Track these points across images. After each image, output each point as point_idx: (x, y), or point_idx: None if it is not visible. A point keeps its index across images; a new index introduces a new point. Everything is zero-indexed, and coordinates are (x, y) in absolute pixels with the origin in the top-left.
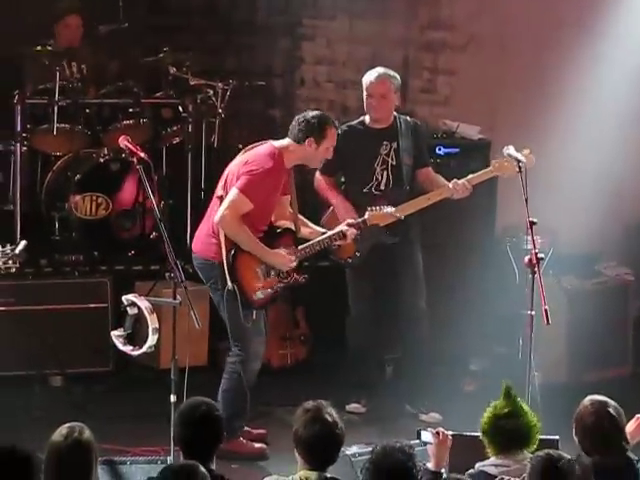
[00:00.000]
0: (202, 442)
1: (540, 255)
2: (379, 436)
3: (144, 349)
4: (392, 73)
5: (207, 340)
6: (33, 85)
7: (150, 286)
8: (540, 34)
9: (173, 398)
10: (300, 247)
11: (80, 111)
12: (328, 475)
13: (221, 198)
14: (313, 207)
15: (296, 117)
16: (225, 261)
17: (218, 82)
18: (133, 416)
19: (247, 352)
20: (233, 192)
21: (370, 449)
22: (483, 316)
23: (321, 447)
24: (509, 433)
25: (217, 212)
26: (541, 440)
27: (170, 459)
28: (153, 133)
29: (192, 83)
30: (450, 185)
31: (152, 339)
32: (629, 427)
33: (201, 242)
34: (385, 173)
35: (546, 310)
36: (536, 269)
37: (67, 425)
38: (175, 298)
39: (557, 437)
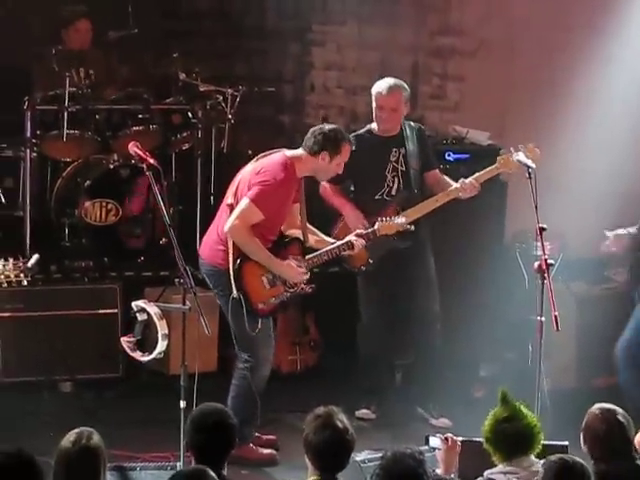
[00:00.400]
0: (215, 448)
1: (550, 261)
2: (389, 442)
3: (154, 355)
4: (403, 84)
5: (216, 346)
6: (43, 91)
7: (160, 292)
8: (550, 36)
9: (183, 404)
10: (308, 257)
11: (90, 117)
12: None
13: (231, 206)
14: (322, 216)
15: (312, 129)
16: (231, 269)
17: (228, 88)
18: (143, 422)
19: (256, 358)
20: (244, 202)
21: (380, 455)
22: (493, 322)
23: (331, 453)
24: (511, 437)
25: (226, 220)
26: (550, 446)
27: (180, 465)
28: (163, 139)
29: (202, 89)
30: (458, 184)
31: (161, 345)
32: (638, 436)
33: (209, 248)
34: (396, 179)
35: (556, 316)
36: (546, 275)
37: (75, 431)
38: (185, 304)
39: (566, 443)
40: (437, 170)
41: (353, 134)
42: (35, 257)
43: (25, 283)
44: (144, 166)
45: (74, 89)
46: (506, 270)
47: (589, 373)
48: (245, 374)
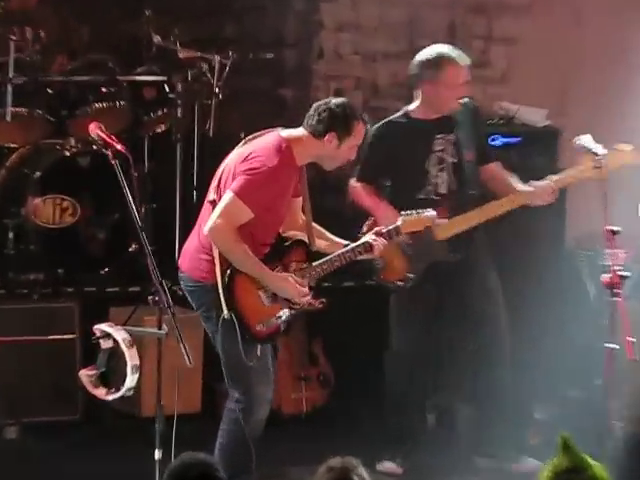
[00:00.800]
0: None
1: (623, 273)
2: None
3: (121, 392)
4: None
5: (200, 381)
6: None
7: (129, 313)
8: None
9: (158, 454)
10: (315, 264)
11: (40, 91)
12: None
13: (214, 203)
14: (335, 216)
15: (316, 104)
16: (220, 283)
17: (214, 54)
18: (108, 476)
19: (250, 396)
20: (228, 196)
21: None
22: (550, 349)
23: None
24: None
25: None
26: None
27: None
28: (132, 119)
29: (181, 56)
30: (531, 188)
31: (131, 379)
32: None
33: (189, 258)
34: (444, 174)
35: (630, 342)
36: (618, 290)
37: None
38: (160, 328)
39: None
40: (495, 163)
41: (386, 120)
42: None
43: None
44: (109, 153)
45: (19, 55)
46: (567, 284)
47: None
48: (237, 416)
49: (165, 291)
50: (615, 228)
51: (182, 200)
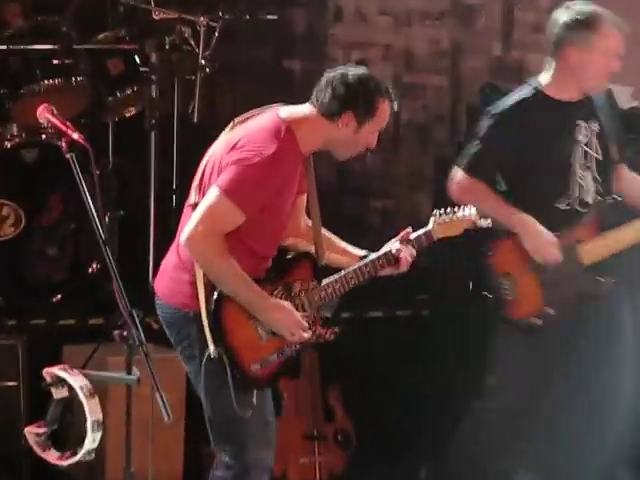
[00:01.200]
0: None
1: None
2: None
3: (79, 456)
4: None
5: (182, 440)
6: None
7: (88, 352)
8: None
9: None
10: (325, 282)
11: None
12: None
13: (196, 207)
14: (356, 225)
15: (328, 74)
16: (204, 310)
17: (200, 16)
18: None
19: (244, 462)
20: (212, 194)
21: None
22: None
23: None
24: None
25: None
26: None
27: None
28: (94, 100)
29: (157, 17)
30: None
31: (92, 439)
32: None
33: (167, 279)
34: (588, 175)
35: None
36: None
37: None
38: (130, 372)
39: None
40: (623, 163)
41: (516, 99)
42: None
43: None
44: (62, 144)
45: None
46: None
47: None
48: None
49: (136, 324)
50: None
51: (158, 205)
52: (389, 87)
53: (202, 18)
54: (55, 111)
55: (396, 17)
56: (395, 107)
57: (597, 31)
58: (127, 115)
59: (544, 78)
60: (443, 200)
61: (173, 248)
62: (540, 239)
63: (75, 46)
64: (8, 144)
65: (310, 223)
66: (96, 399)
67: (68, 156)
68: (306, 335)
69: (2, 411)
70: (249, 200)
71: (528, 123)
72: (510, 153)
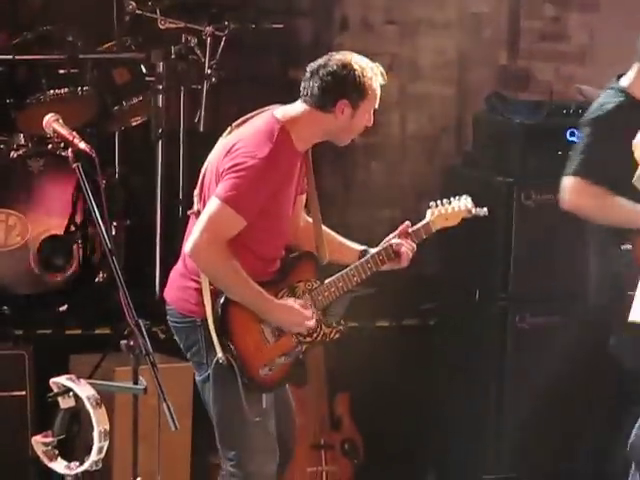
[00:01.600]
0: None
1: None
2: None
3: (86, 466)
4: None
5: (189, 450)
6: None
7: (95, 361)
8: None
9: None
10: (328, 281)
11: None
12: None
13: (199, 215)
14: (363, 232)
15: (311, 67)
16: (210, 316)
17: (206, 25)
18: None
19: (245, 471)
20: (213, 204)
21: None
22: None
23: None
24: None
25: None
26: None
27: None
28: (100, 109)
29: (163, 27)
30: None
31: (99, 449)
32: None
33: (176, 287)
34: None
35: None
36: None
37: None
38: (137, 382)
39: None
40: None
41: (615, 103)
42: None
43: None
44: (69, 154)
45: None
46: None
47: None
48: None
49: (143, 333)
50: None
51: (164, 215)
52: (371, 62)
53: (208, 28)
54: (61, 120)
55: (402, 27)
56: (384, 80)
57: None
58: (133, 124)
59: (627, 81)
60: None
61: (181, 257)
62: None
63: (81, 56)
64: (14, 154)
65: (308, 220)
66: (103, 409)
67: (74, 166)
68: (312, 324)
69: (9, 421)
70: (247, 205)
71: (626, 126)
72: (613, 158)
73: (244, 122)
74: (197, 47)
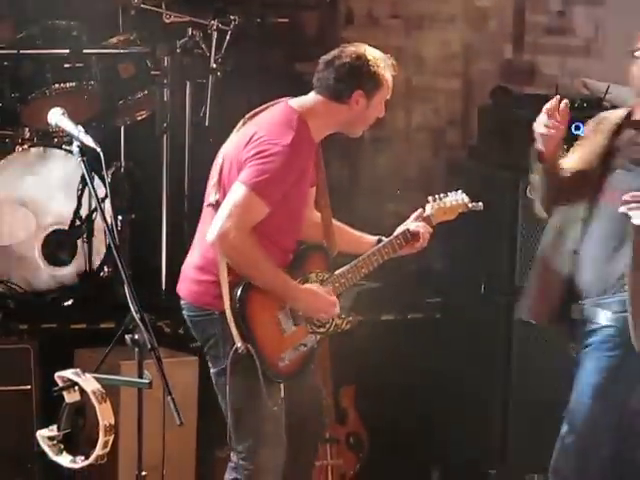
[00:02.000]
0: None
1: None
2: None
3: (91, 460)
4: None
5: (195, 445)
6: None
7: (100, 356)
8: None
9: None
10: (339, 272)
11: None
12: None
13: (217, 205)
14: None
15: (324, 59)
16: (229, 308)
17: (211, 19)
18: None
19: (257, 462)
20: (238, 191)
21: None
22: None
23: None
24: None
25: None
26: None
27: None
28: (105, 104)
29: (168, 21)
30: None
31: (104, 443)
32: None
33: (190, 281)
34: None
35: None
36: None
37: None
38: (142, 376)
39: None
40: None
41: None
42: None
43: None
44: (74, 148)
45: None
46: None
47: None
48: None
49: (147, 328)
50: None
51: (169, 209)
52: (383, 53)
53: (213, 21)
54: (66, 115)
55: (407, 20)
56: (394, 71)
57: None
58: (138, 119)
59: None
60: None
61: (193, 249)
62: None
63: (86, 50)
64: (19, 148)
65: (317, 215)
66: (108, 403)
67: (79, 160)
68: (337, 310)
69: (14, 415)
70: (271, 191)
71: None
72: None
73: (256, 115)
74: (202, 41)
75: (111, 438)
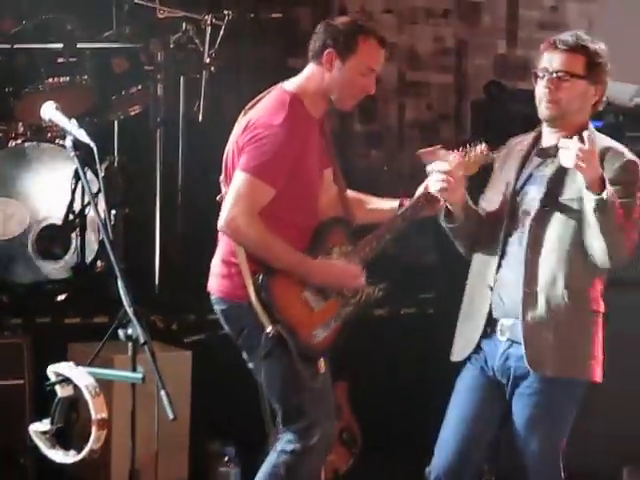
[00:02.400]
0: None
1: None
2: None
3: (84, 454)
4: None
5: (188, 439)
6: None
7: (93, 350)
8: None
9: None
10: (361, 243)
11: None
12: None
13: None
14: None
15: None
16: (253, 293)
17: (205, 14)
18: None
19: (308, 440)
20: (238, 178)
21: None
22: None
23: None
24: None
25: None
26: None
27: None
28: (98, 99)
29: (162, 16)
30: None
31: (97, 438)
32: None
33: (215, 275)
34: None
35: None
36: None
37: None
38: (135, 370)
39: None
40: None
41: None
42: None
43: None
44: (67, 143)
45: None
46: None
47: None
48: (285, 461)
49: (141, 322)
50: None
51: (163, 204)
52: (379, 33)
53: (207, 16)
54: (60, 109)
55: (400, 15)
56: (382, 47)
57: None
58: (132, 114)
59: None
60: None
61: (218, 247)
62: None
63: (80, 45)
64: (13, 142)
65: (335, 189)
66: (101, 397)
67: (72, 155)
68: (362, 280)
69: (7, 409)
70: (271, 172)
71: None
72: None
73: (255, 103)
74: (196, 36)
75: (104, 432)
